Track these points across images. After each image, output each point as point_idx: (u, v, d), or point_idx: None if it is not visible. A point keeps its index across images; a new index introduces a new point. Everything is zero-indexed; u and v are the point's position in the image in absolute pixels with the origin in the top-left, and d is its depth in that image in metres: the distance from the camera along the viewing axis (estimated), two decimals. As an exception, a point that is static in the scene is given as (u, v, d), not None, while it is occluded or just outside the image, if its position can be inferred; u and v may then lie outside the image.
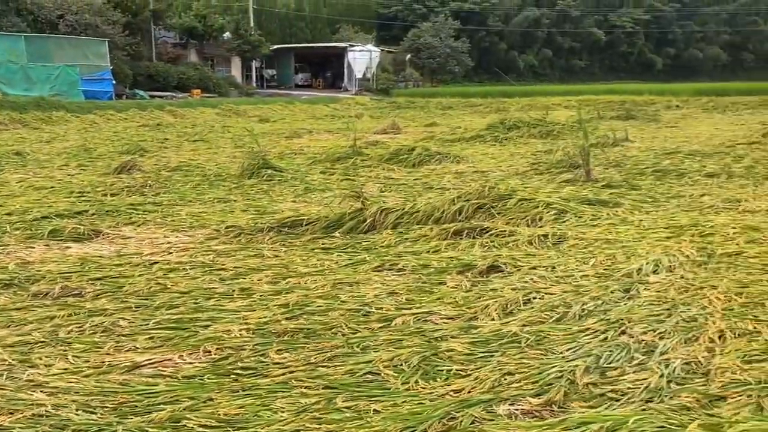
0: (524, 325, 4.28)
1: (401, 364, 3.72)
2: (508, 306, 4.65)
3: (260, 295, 5.02)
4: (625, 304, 4.60)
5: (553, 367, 3.59)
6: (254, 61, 51.60)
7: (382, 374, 3.61)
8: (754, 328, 4.10)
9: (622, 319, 4.26)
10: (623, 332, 4.08)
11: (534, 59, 70.77)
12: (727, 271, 5.29)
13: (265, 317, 4.52)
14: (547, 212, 7.44)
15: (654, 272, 5.27)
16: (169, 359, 3.92)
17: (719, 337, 3.96)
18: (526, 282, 5.19)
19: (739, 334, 4.01)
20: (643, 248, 6.01)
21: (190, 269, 5.77)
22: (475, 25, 66.19)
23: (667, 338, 3.95)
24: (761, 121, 22.91)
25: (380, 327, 4.32)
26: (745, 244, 6.09)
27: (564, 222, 7.23)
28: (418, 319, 4.46)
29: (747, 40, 75.67)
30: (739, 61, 75.85)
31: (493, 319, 4.43)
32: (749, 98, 37.15)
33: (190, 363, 3.86)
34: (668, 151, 13.33)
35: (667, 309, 4.45)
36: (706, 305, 4.49)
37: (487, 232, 6.78)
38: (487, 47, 67.75)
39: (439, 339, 4.09)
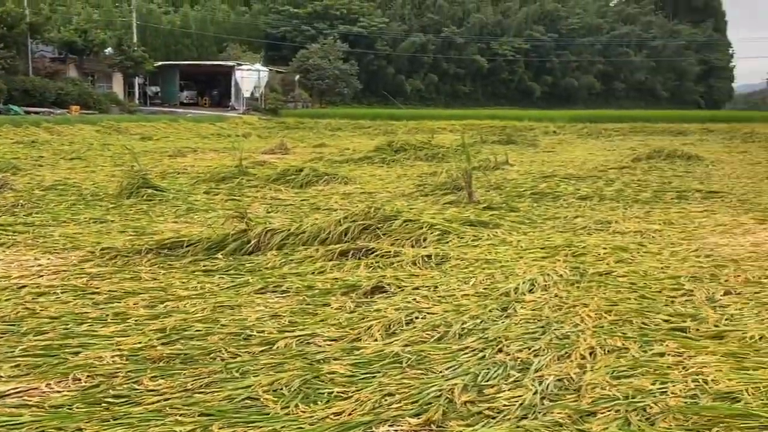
0: (406, 345, 4.32)
1: (281, 389, 3.66)
2: (391, 326, 4.69)
3: (136, 320, 4.83)
4: (502, 322, 4.73)
5: (433, 386, 3.63)
6: (137, 77, 50.10)
7: (262, 399, 3.54)
8: (623, 344, 4.31)
9: (499, 338, 4.38)
10: (500, 350, 4.19)
11: (421, 84, 72.30)
12: (597, 289, 5.54)
13: (140, 343, 4.35)
14: (431, 233, 7.58)
15: (530, 291, 5.46)
16: (36, 388, 3.70)
17: (590, 354, 4.14)
18: (409, 302, 5.25)
19: (608, 351, 4.19)
20: (520, 268, 6.22)
21: (62, 293, 5.50)
22: (364, 49, 66.98)
23: (542, 355, 4.08)
24: (631, 147, 24.38)
25: (261, 351, 4.25)
26: (615, 263, 6.41)
27: (447, 243, 7.39)
28: (301, 342, 4.42)
29: (619, 70, 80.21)
30: (612, 89, 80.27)
31: (375, 340, 4.44)
32: (620, 125, 39.37)
33: (59, 392, 3.67)
34: (545, 174, 13.91)
35: (542, 327, 4.61)
36: (578, 323, 4.68)
37: (373, 252, 6.82)
38: (375, 70, 68.69)
39: (321, 361, 4.06)
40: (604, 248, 6.99)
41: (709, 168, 16.37)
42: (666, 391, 3.60)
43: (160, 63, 51.07)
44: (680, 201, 10.81)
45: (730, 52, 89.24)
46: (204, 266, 6.47)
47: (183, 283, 5.86)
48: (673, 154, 17.82)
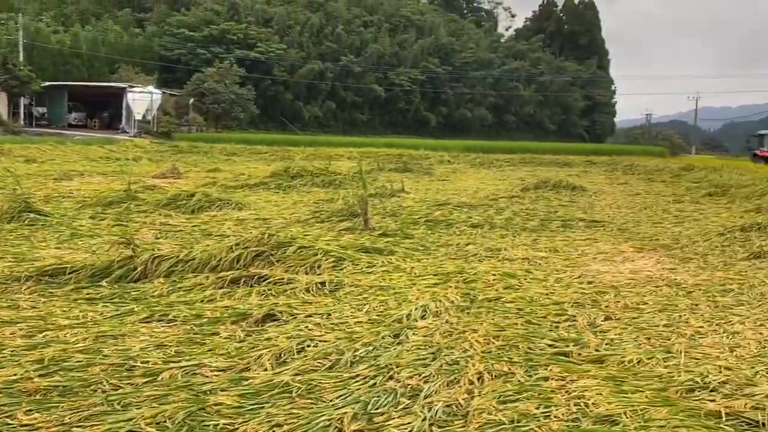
0: (297, 374, 4.27)
1: (165, 421, 3.53)
2: (282, 355, 4.62)
3: (12, 351, 4.58)
4: (394, 349, 4.75)
5: (322, 416, 3.60)
6: (23, 97, 47.81)
7: (144, 432, 3.41)
8: (509, 369, 4.41)
9: (390, 365, 4.39)
10: (391, 377, 4.21)
11: (319, 110, 72.41)
12: (487, 315, 5.67)
13: (15, 374, 4.12)
14: (326, 260, 7.56)
15: (422, 317, 5.53)
16: None
17: (478, 379, 4.21)
18: (301, 330, 5.20)
19: (495, 376, 4.28)
20: (413, 294, 6.29)
21: (-72, 324, 5.14)
22: (261, 74, 66.53)
23: (431, 381, 4.12)
24: (520, 176, 25.24)
25: (145, 382, 4.10)
26: (504, 290, 6.59)
27: (341, 269, 7.38)
28: (187, 373, 4.29)
29: (509, 103, 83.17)
30: (503, 122, 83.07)
31: (265, 370, 4.37)
32: (511, 156, 40.80)
33: None
34: (439, 202, 14.18)
35: (433, 353, 4.66)
36: (468, 348, 4.76)
37: (265, 280, 6.73)
38: (273, 96, 68.26)
39: (208, 392, 3.95)
40: (494, 275, 7.17)
41: (592, 198, 17.15)
42: (549, 415, 3.70)
43: (47, 83, 48.91)
44: (565, 230, 11.26)
45: (613, 88, 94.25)
46: (87, 294, 6.21)
47: (64, 311, 5.60)
48: (559, 185, 18.58)
